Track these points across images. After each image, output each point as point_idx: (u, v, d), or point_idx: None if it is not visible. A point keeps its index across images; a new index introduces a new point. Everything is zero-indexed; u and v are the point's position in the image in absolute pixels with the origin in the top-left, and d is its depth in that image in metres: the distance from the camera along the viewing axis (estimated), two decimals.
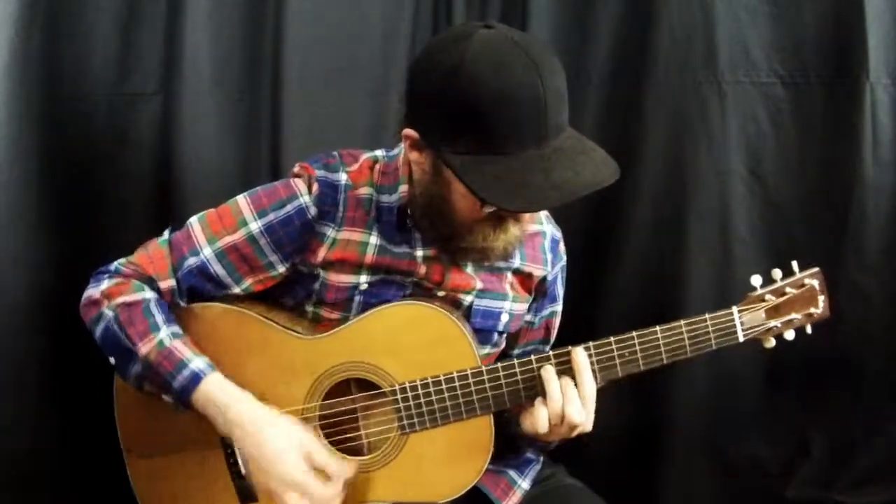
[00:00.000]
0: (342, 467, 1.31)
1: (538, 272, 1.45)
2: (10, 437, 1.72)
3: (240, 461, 1.33)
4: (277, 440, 1.27)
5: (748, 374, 1.95)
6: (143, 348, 1.28)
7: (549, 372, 1.29)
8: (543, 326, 1.51)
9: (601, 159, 1.20)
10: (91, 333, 1.34)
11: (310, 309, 1.39)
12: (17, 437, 1.73)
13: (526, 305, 1.47)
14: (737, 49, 1.86)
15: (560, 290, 1.51)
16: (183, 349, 1.29)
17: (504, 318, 1.43)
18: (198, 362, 1.28)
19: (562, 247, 1.49)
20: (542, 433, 1.29)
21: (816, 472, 1.96)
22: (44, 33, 1.72)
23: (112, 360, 1.33)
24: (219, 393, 1.27)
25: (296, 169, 1.37)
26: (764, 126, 1.90)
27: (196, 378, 1.27)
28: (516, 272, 1.43)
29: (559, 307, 1.52)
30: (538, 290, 1.46)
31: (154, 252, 1.37)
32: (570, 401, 1.27)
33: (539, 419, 1.28)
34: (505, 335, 1.47)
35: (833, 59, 1.85)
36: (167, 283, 1.35)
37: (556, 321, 1.53)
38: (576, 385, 1.28)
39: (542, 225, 1.46)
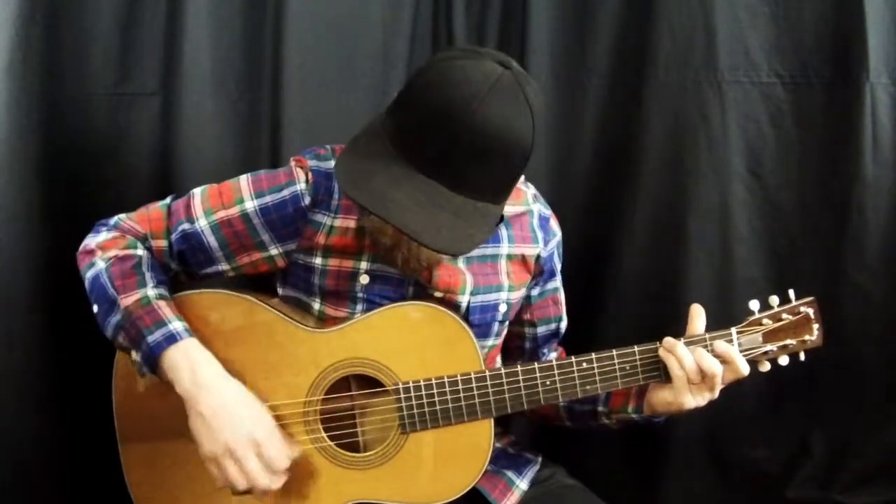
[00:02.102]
0: (292, 451, 1.33)
1: (531, 251, 1.47)
2: (11, 436, 1.72)
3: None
4: (239, 402, 1.29)
5: (748, 375, 1.94)
6: (126, 300, 1.32)
7: (669, 343, 1.36)
8: (551, 303, 1.54)
9: (440, 228, 1.18)
10: (82, 279, 1.38)
11: (315, 306, 1.41)
12: (18, 435, 1.73)
13: (524, 291, 1.48)
14: (737, 49, 1.86)
15: (557, 265, 1.54)
16: (166, 310, 1.32)
17: (502, 308, 1.45)
18: (177, 325, 1.31)
19: (553, 223, 1.52)
20: (685, 398, 1.35)
21: (816, 472, 1.96)
22: (44, 33, 1.71)
23: (95, 307, 1.36)
24: (197, 353, 1.30)
25: (291, 163, 1.40)
26: (764, 126, 1.89)
27: (171, 338, 1.29)
28: (510, 258, 1.45)
29: (559, 282, 1.55)
30: (536, 269, 1.49)
31: (153, 213, 1.42)
32: (702, 356, 1.34)
33: (678, 387, 1.34)
34: (506, 324, 1.48)
35: (833, 59, 1.84)
36: (160, 243, 1.40)
37: (561, 296, 1.57)
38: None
39: (529, 204, 1.48)
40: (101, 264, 1.36)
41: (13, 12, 1.64)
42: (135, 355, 1.33)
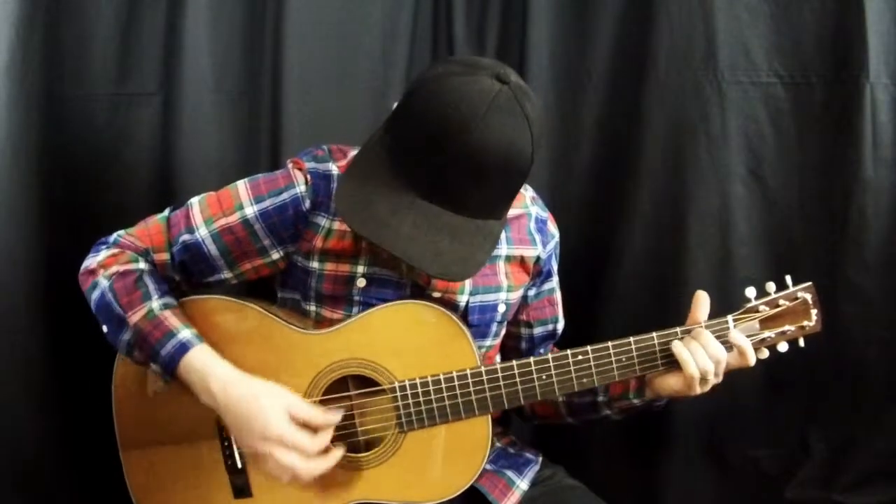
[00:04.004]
0: (327, 417, 1.32)
1: (530, 253, 1.47)
2: (10, 436, 1.72)
3: (235, 453, 1.35)
4: (260, 398, 1.29)
5: (748, 374, 1.93)
6: (134, 317, 1.32)
7: (677, 345, 1.35)
8: (547, 304, 1.55)
9: (441, 252, 1.19)
10: (87, 301, 1.38)
11: (311, 309, 1.41)
12: (18, 436, 1.73)
13: (523, 292, 1.49)
14: (737, 49, 1.85)
15: (554, 266, 1.55)
16: (172, 319, 1.32)
17: (501, 308, 1.45)
18: (186, 333, 1.31)
19: (551, 225, 1.52)
20: (694, 390, 1.37)
21: (816, 472, 1.96)
22: (44, 33, 1.72)
23: (105, 328, 1.36)
24: (204, 361, 1.30)
25: (288, 166, 1.40)
26: (764, 126, 1.89)
27: (183, 347, 1.29)
28: (508, 259, 1.45)
29: (555, 282, 1.56)
30: (535, 271, 1.49)
31: (153, 227, 1.41)
32: (707, 344, 1.34)
33: (689, 384, 1.35)
34: (504, 324, 1.49)
35: (833, 59, 1.84)
36: (161, 256, 1.39)
37: (558, 297, 1.57)
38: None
39: (528, 207, 1.49)
40: (104, 283, 1.35)
41: (13, 12, 1.64)
42: (154, 367, 1.33)
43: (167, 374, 1.31)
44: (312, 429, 1.30)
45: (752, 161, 1.90)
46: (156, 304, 1.33)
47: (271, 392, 1.30)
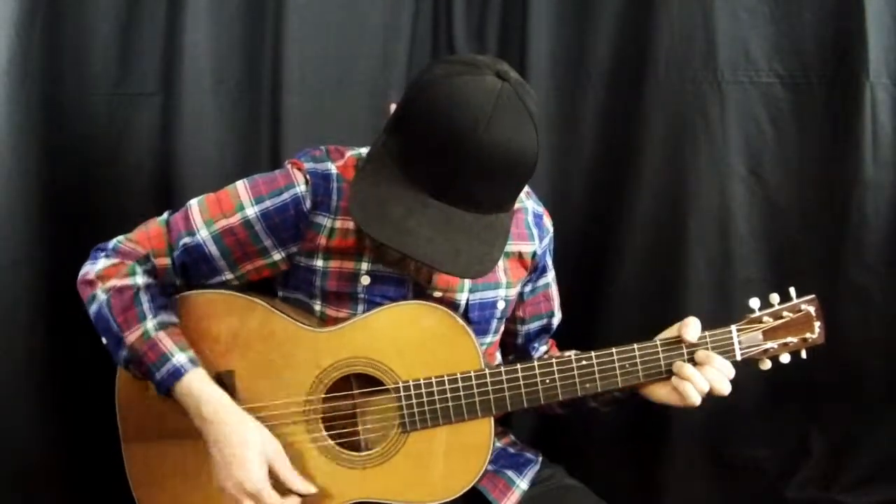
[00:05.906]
0: (305, 486, 1.33)
1: (527, 248, 1.48)
2: (10, 436, 1.72)
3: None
4: (244, 444, 1.29)
5: (748, 375, 1.93)
6: (130, 336, 1.31)
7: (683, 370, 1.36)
8: (542, 299, 1.55)
9: (460, 252, 1.20)
10: (86, 311, 1.37)
11: (317, 308, 1.41)
12: (17, 435, 1.73)
13: (521, 287, 1.49)
14: (737, 49, 1.86)
15: (549, 261, 1.55)
16: (167, 342, 1.31)
17: (500, 305, 1.46)
18: (180, 357, 1.30)
19: (546, 220, 1.53)
20: (678, 403, 1.37)
21: (816, 472, 1.96)
22: (44, 33, 1.72)
23: (103, 340, 1.35)
24: (196, 390, 1.30)
25: (287, 166, 1.40)
26: (764, 126, 1.89)
27: (177, 373, 1.29)
28: (507, 256, 1.46)
29: (550, 277, 1.56)
30: (531, 266, 1.50)
31: (153, 230, 1.40)
32: (706, 371, 1.36)
33: (689, 403, 1.36)
34: (503, 320, 1.50)
35: (833, 59, 1.84)
36: (163, 261, 1.38)
37: (552, 292, 1.57)
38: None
39: (523, 201, 1.49)
40: (101, 297, 1.34)
41: (13, 13, 1.65)
42: (151, 383, 1.33)
43: (162, 394, 1.32)
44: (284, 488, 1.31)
45: (752, 161, 1.91)
46: (150, 324, 1.32)
47: (259, 441, 1.30)
